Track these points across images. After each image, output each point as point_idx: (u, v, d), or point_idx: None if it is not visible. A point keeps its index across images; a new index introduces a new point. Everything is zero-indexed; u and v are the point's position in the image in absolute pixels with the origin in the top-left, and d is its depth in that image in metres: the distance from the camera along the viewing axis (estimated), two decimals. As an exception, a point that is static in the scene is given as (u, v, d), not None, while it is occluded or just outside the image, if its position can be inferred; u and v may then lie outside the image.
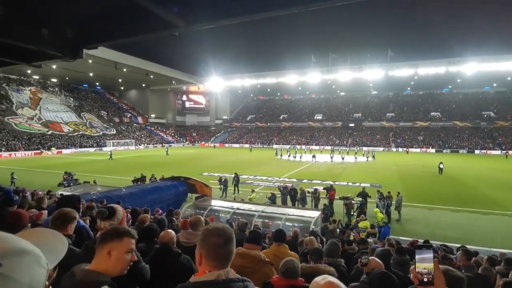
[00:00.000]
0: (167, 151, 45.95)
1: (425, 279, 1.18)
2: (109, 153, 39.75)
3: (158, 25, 3.83)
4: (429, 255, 1.22)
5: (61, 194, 11.10)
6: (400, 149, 55.06)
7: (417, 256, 1.23)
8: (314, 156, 37.16)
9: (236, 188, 18.16)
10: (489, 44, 44.96)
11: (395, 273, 2.38)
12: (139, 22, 3.95)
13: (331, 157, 37.15)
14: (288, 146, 56.95)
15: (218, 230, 1.32)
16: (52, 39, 4.10)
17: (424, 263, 1.21)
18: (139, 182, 17.62)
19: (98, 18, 4.12)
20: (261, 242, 3.07)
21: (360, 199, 13.27)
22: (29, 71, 54.80)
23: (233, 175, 18.73)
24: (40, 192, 11.38)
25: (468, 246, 7.14)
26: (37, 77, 61.74)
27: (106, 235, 1.48)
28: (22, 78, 59.42)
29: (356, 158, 37.30)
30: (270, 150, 53.99)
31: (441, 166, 25.45)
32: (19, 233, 0.85)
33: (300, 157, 38.81)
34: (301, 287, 2.23)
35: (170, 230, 2.76)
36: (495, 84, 63.35)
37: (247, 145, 62.87)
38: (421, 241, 7.91)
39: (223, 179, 17.76)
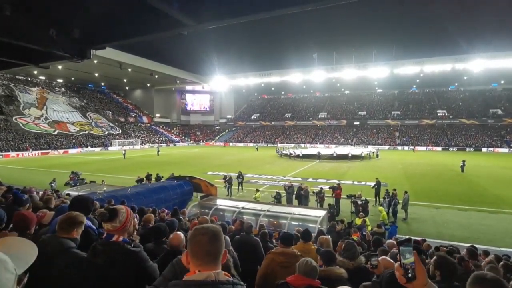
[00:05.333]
0: (158, 152, 44.52)
1: (409, 274, 1.17)
2: (123, 152, 40.06)
3: (167, 24, 3.78)
4: (410, 248, 1.22)
5: (68, 194, 11.20)
6: (406, 148, 54.65)
7: (401, 250, 1.22)
8: (319, 153, 37.14)
9: (240, 186, 18.37)
10: (496, 40, 44.36)
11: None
12: (148, 22, 3.91)
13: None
14: (292, 145, 56.84)
15: (203, 229, 1.33)
16: (59, 40, 4.08)
17: (408, 258, 1.20)
18: (145, 181, 17.68)
19: (106, 18, 4.08)
20: (292, 242, 3.59)
21: (364, 199, 13.19)
22: (35, 72, 55.40)
23: (237, 174, 18.90)
24: (48, 192, 11.48)
25: (476, 246, 7.05)
26: (43, 77, 62.42)
27: None
28: (29, 78, 60.15)
29: (362, 154, 37.08)
30: (274, 149, 53.90)
31: (462, 164, 25.34)
32: None
33: (300, 152, 38.43)
34: None
35: (179, 233, 2.75)
36: (502, 81, 62.40)
37: (251, 144, 62.82)
38: (431, 240, 7.84)
39: (227, 177, 17.93)
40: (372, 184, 15.94)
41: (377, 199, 15.04)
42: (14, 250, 0.89)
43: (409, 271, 1.17)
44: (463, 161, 25.56)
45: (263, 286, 3.19)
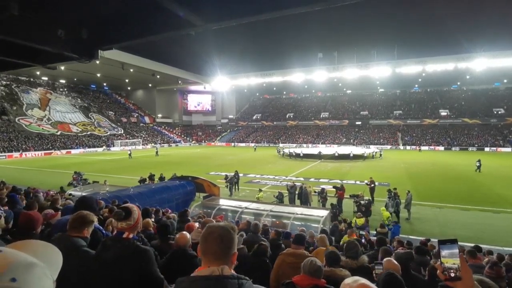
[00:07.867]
0: (157, 152, 43.59)
1: (452, 274, 1.15)
2: (129, 152, 40.15)
3: (176, 24, 3.76)
4: (455, 250, 1.19)
5: (70, 194, 11.27)
6: (408, 147, 54.55)
7: (442, 251, 1.20)
8: (320, 153, 37.17)
9: (236, 186, 18.27)
10: (499, 39, 43.96)
11: (414, 275, 2.35)
12: (157, 22, 3.89)
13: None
14: (294, 145, 56.95)
15: (212, 227, 1.36)
16: (68, 41, 4.08)
17: (449, 258, 1.18)
18: (148, 182, 17.73)
19: (115, 18, 4.07)
20: (304, 243, 3.66)
21: (367, 198, 13.20)
22: (38, 73, 55.58)
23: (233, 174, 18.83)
24: (52, 192, 11.56)
25: (480, 245, 7.04)
26: (45, 78, 62.68)
27: None
28: (31, 79, 60.42)
29: (365, 154, 36.96)
30: (275, 149, 53.89)
31: (478, 164, 25.18)
32: (12, 244, 0.86)
33: (301, 152, 38.53)
34: None
35: (185, 233, 2.78)
36: (505, 80, 62.04)
37: (252, 144, 62.84)
38: (433, 240, 7.83)
39: (228, 177, 17.98)
40: (369, 183, 16.02)
41: (373, 198, 15.14)
42: (44, 256, 0.84)
43: (451, 271, 1.16)
44: (479, 161, 25.35)
45: None
